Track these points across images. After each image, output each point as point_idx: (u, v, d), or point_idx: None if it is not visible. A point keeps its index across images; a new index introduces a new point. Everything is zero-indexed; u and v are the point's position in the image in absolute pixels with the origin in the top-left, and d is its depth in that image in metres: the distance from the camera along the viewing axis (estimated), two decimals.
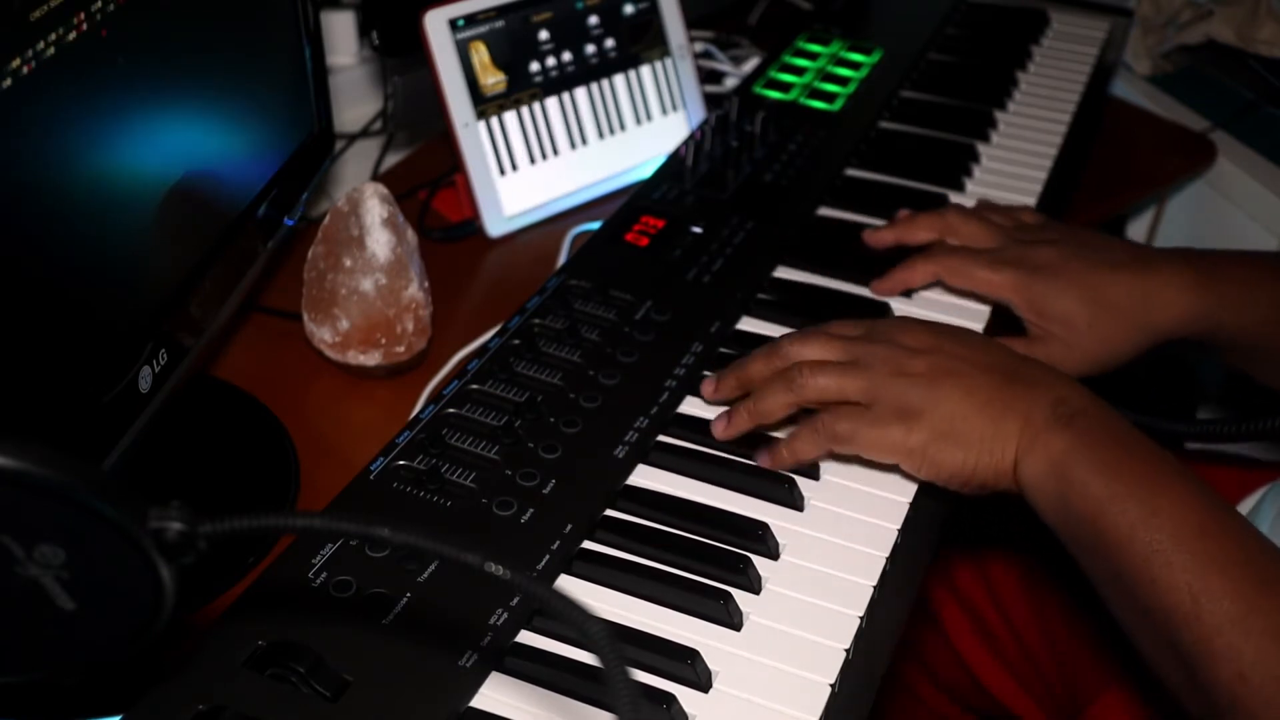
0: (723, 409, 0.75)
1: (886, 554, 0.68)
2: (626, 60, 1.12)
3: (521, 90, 1.06)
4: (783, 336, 0.76)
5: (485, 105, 1.04)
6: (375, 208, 0.86)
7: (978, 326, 0.86)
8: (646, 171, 1.03)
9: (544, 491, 0.69)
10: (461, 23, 1.02)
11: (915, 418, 0.69)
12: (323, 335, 0.88)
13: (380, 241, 0.86)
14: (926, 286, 0.89)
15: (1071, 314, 0.81)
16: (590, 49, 1.10)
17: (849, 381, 0.71)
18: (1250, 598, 0.60)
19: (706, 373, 0.78)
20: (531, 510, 0.68)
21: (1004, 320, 0.87)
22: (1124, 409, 0.85)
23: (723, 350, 0.82)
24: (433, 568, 0.63)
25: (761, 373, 0.74)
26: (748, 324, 0.86)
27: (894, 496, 0.72)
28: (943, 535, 0.72)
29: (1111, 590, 0.66)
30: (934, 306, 0.88)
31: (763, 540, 0.68)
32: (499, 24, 1.04)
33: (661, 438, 0.75)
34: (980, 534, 0.99)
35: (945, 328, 0.75)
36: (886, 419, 0.69)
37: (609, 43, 1.11)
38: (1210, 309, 0.81)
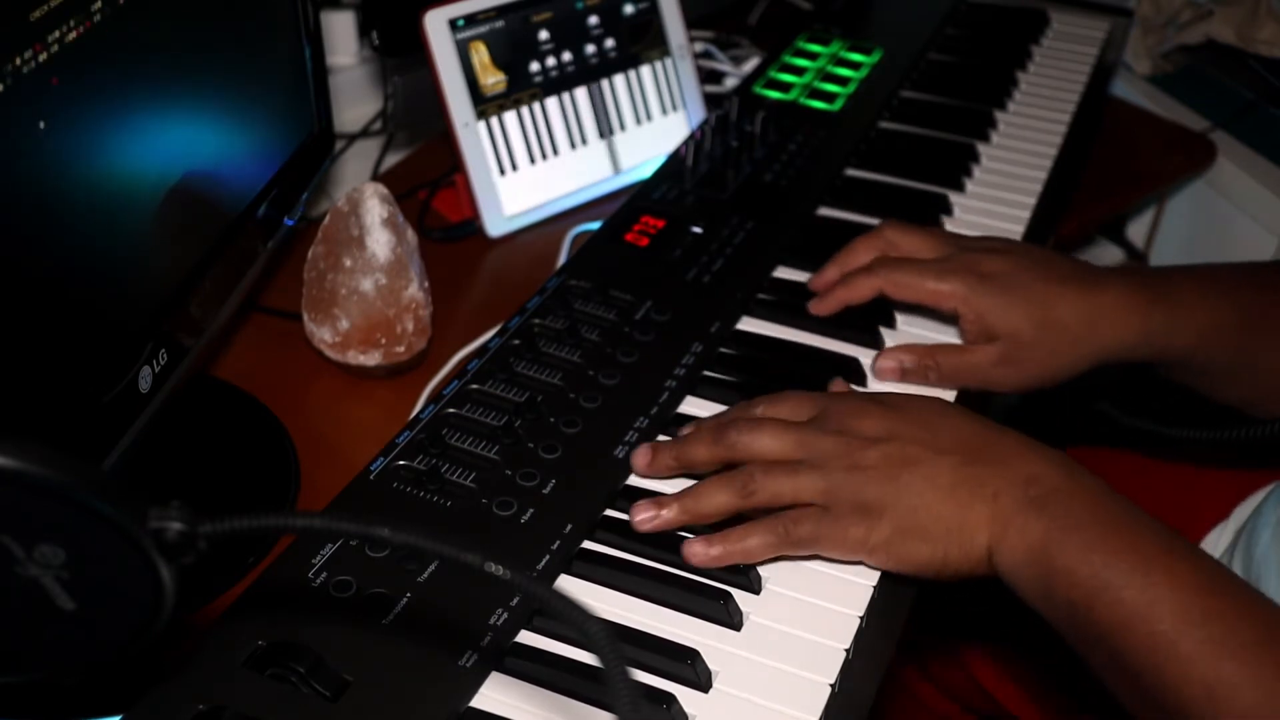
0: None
1: None
2: (626, 60, 1.12)
3: (521, 90, 1.06)
4: (730, 418, 0.70)
5: (485, 105, 1.04)
6: (375, 208, 0.86)
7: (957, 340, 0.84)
8: (646, 171, 1.03)
9: (544, 491, 0.69)
10: (461, 23, 1.02)
11: (876, 514, 0.65)
12: (323, 335, 0.88)
13: (380, 241, 0.86)
14: (910, 310, 0.85)
15: (1018, 328, 0.78)
16: (590, 49, 1.10)
17: (803, 483, 0.66)
18: (1270, 684, 0.56)
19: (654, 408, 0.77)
20: (531, 510, 0.68)
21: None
22: (1129, 416, 0.85)
23: (723, 350, 0.82)
24: (433, 568, 0.63)
25: (705, 459, 0.69)
26: (748, 324, 0.86)
27: None
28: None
29: (1112, 678, 0.61)
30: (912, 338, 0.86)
31: None
32: (499, 24, 1.04)
33: (662, 438, 0.75)
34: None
35: (901, 405, 0.70)
36: (847, 519, 0.65)
37: (609, 43, 1.11)
38: (1157, 330, 0.79)
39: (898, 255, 0.84)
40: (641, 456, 0.71)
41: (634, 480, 0.72)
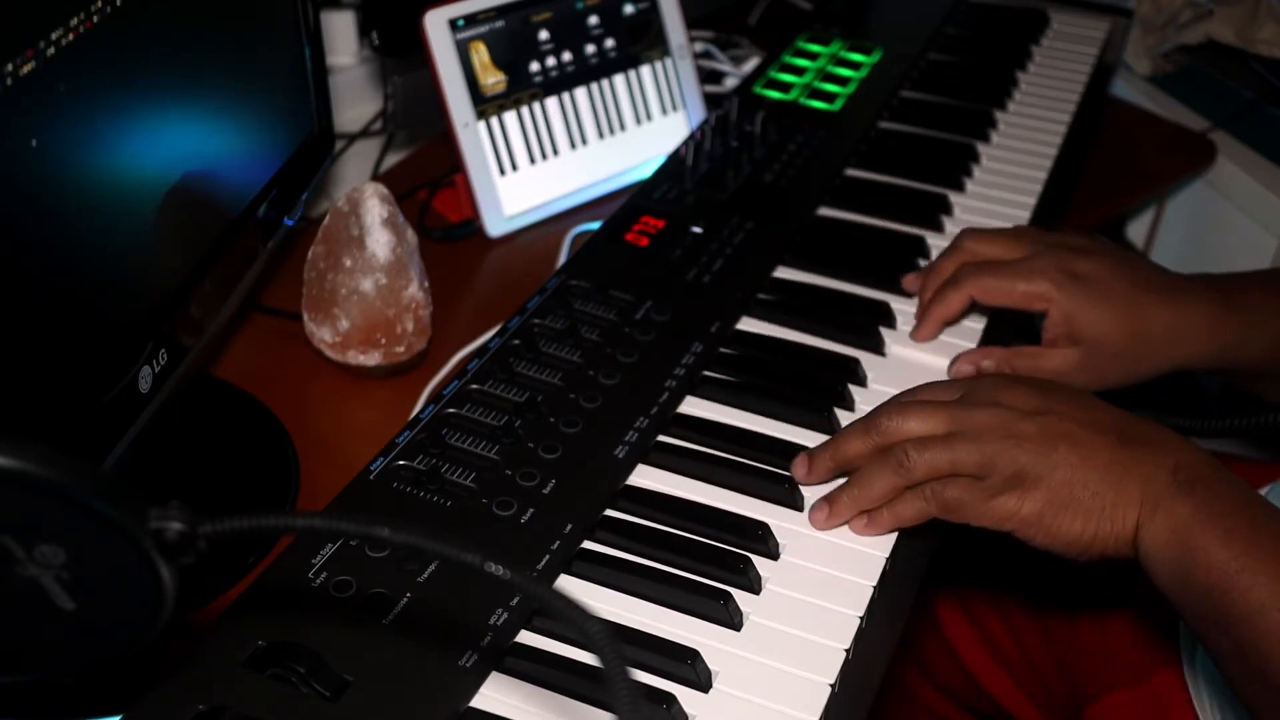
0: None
1: (887, 554, 0.68)
2: (626, 60, 1.12)
3: (521, 90, 1.06)
4: (878, 410, 0.71)
5: (485, 105, 1.04)
6: (375, 208, 0.86)
7: (972, 343, 0.84)
8: (646, 171, 1.03)
9: (544, 491, 0.69)
10: (461, 23, 1.02)
11: (1030, 485, 0.65)
12: (323, 335, 0.88)
13: (380, 241, 0.86)
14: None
15: (1105, 335, 0.78)
16: (590, 49, 1.10)
17: (960, 454, 0.66)
18: None
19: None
20: (531, 510, 0.68)
21: (999, 330, 0.85)
22: (1127, 405, 0.85)
23: (723, 350, 0.82)
24: (433, 568, 0.63)
25: (859, 450, 0.70)
26: (748, 324, 0.86)
27: None
28: (942, 539, 0.72)
29: (1237, 666, 0.62)
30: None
31: (763, 540, 0.68)
32: (499, 24, 1.04)
33: (661, 438, 0.75)
34: (976, 567, 0.99)
35: (1049, 385, 0.70)
36: (999, 488, 0.65)
37: (609, 43, 1.11)
38: (1232, 344, 0.80)
39: (980, 261, 0.83)
40: (800, 467, 0.72)
41: (634, 480, 0.72)
